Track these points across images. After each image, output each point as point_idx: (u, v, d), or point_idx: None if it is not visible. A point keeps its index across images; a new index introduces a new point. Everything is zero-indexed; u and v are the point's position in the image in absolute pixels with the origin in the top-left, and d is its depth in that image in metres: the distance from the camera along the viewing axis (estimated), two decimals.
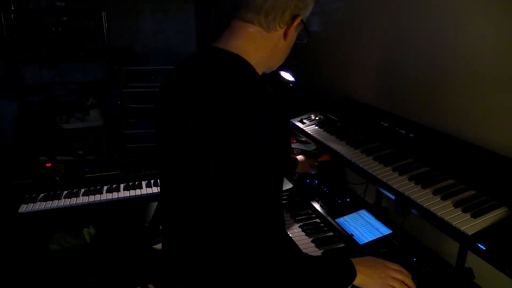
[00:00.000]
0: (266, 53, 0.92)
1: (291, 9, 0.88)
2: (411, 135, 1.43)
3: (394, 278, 0.99)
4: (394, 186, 1.19)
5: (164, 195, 0.99)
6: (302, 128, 1.76)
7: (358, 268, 0.94)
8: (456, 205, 1.04)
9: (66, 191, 2.03)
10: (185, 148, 0.83)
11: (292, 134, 2.16)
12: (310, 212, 1.63)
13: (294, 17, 0.90)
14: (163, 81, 0.98)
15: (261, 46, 0.90)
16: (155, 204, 2.29)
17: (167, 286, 0.98)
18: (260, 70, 0.93)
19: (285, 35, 0.92)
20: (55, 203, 1.93)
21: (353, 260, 0.96)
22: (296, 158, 1.84)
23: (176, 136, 0.87)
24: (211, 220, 0.80)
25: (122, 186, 2.09)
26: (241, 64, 0.87)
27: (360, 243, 1.37)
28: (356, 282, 0.93)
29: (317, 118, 1.82)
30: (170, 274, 0.96)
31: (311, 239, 1.44)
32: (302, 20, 0.92)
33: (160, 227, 1.02)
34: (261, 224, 0.79)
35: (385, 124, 1.56)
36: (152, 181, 2.12)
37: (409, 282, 1.01)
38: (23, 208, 1.88)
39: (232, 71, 0.85)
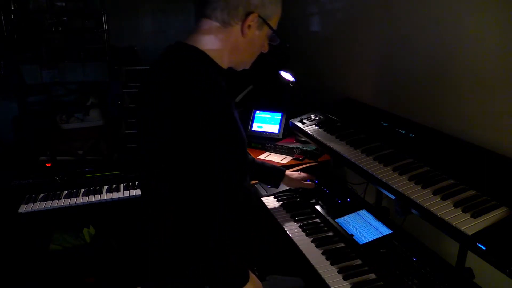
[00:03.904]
0: (226, 48, 0.98)
1: (244, 5, 0.94)
2: (411, 135, 1.43)
3: None
4: (394, 186, 1.18)
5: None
6: (302, 128, 1.76)
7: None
8: (456, 205, 1.04)
9: (66, 191, 2.03)
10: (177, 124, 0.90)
11: (292, 134, 2.16)
12: (310, 212, 1.63)
13: (247, 14, 0.95)
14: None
15: (219, 40, 0.97)
16: None
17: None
18: (223, 64, 1.00)
19: (242, 32, 0.97)
20: (55, 203, 1.93)
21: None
22: (283, 170, 1.65)
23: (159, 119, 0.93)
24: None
25: (122, 186, 2.09)
26: (198, 56, 0.95)
27: (360, 243, 1.37)
28: None
29: (317, 118, 1.82)
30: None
31: (311, 239, 1.44)
32: (264, 20, 0.97)
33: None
34: None
35: (385, 124, 1.56)
36: None
37: None
38: (23, 208, 1.88)
39: (190, 62, 0.93)
